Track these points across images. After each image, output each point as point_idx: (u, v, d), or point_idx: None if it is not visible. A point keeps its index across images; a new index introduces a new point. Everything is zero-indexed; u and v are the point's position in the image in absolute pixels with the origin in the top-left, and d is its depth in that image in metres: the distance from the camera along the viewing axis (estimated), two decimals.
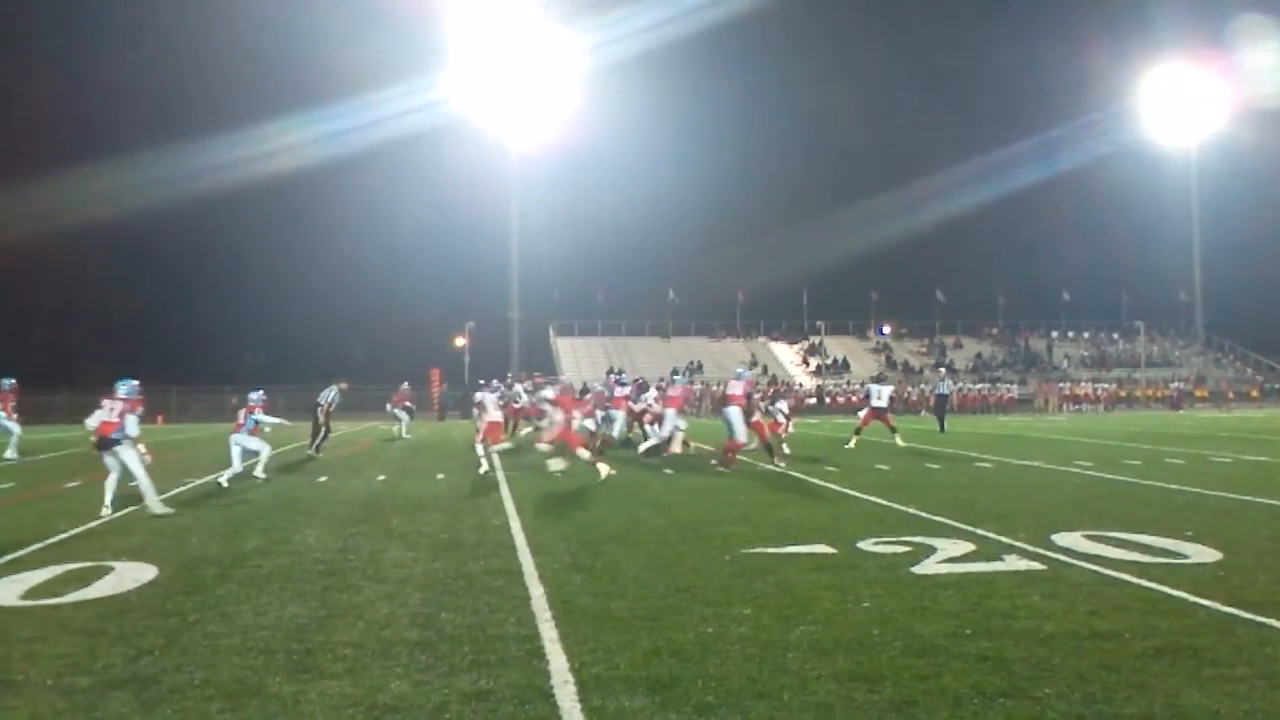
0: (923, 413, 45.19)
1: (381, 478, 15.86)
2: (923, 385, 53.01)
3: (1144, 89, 67.49)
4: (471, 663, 5.35)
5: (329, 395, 21.85)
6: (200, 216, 66.57)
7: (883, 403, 22.00)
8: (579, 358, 61.90)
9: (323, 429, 21.56)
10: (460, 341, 60.14)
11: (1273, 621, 5.94)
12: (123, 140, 61.60)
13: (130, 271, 68.77)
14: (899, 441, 21.56)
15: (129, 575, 7.89)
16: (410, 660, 5.43)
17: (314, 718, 4.60)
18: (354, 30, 58.41)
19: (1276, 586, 6.89)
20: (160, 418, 46.70)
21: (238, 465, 15.31)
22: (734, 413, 16.35)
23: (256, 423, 15.67)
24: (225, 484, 14.53)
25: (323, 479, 15.75)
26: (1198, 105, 66.31)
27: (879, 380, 24.16)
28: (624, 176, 72.08)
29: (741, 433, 16.17)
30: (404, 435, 29.07)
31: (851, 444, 21.41)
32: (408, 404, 30.58)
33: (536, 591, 7.06)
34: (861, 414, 23.17)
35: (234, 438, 15.46)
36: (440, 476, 16.05)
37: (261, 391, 16.13)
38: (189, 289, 73.05)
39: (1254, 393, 61.84)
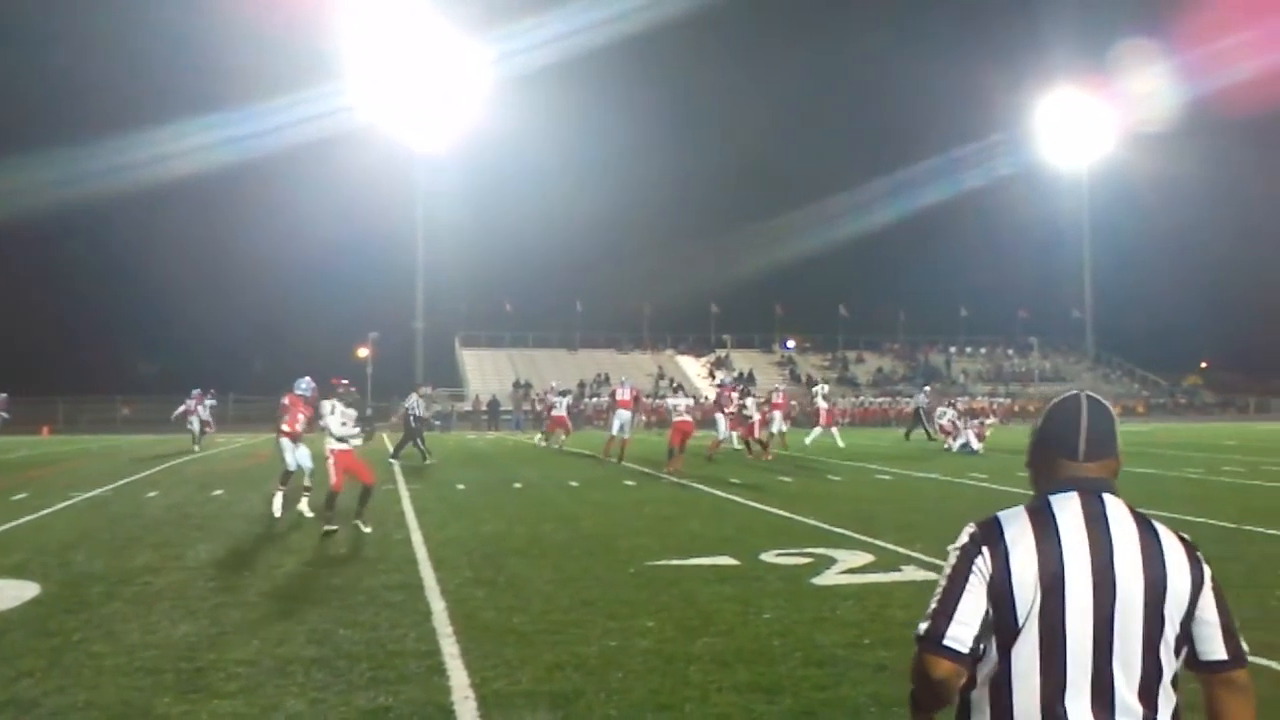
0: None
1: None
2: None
3: (1040, 113, 69.84)
4: (370, 680, 5.25)
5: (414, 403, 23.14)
6: (92, 221, 64.24)
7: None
8: (485, 369, 61.33)
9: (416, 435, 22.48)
10: (363, 352, 59.01)
11: None
12: (13, 142, 59.21)
13: (19, 276, 66.09)
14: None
15: (9, 593, 7.56)
16: (306, 678, 5.30)
17: None
18: (255, 35, 56.78)
19: None
20: (45, 429, 44.78)
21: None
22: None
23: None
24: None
25: (218, 492, 15.31)
26: (1090, 129, 68.86)
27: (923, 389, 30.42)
28: (532, 188, 71.83)
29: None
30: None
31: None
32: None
33: (438, 606, 6.97)
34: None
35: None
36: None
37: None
38: (80, 295, 70.44)
39: (1140, 408, 64.32)
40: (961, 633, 1.94)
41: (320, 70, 54.25)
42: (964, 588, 1.98)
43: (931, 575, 7.90)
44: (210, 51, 59.84)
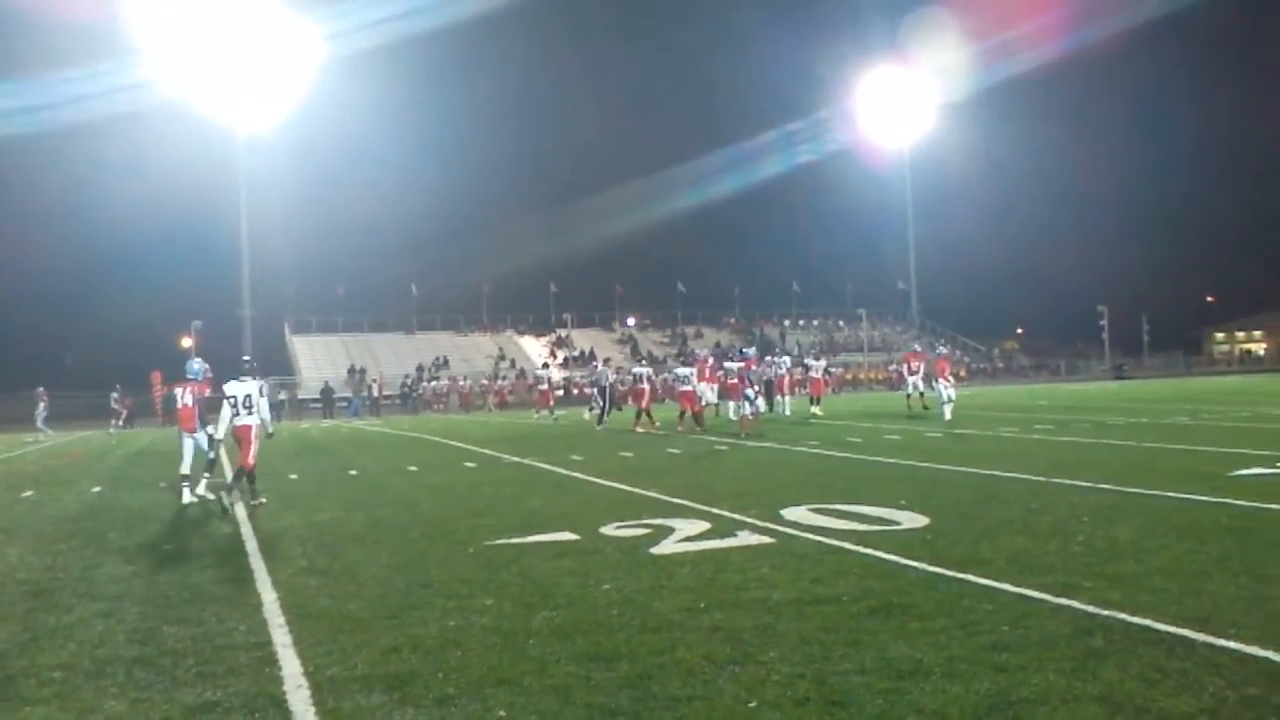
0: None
1: (96, 489, 14.70)
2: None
3: (864, 91, 72.29)
4: (196, 675, 5.07)
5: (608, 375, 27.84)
6: None
7: (816, 374, 28.66)
8: (318, 356, 59.59)
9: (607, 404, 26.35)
10: (186, 342, 56.37)
11: (970, 577, 6.52)
12: None
13: None
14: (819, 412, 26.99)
15: None
16: (127, 678, 5.07)
17: None
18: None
19: (975, 546, 7.57)
20: None
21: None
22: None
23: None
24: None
25: (28, 493, 14.43)
26: (910, 107, 71.67)
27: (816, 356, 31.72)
28: (363, 169, 70.29)
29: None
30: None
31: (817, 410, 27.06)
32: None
33: (269, 598, 6.77)
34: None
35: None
36: (163, 485, 15.04)
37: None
38: None
39: (962, 373, 67.76)
40: None
41: (127, 42, 50.97)
42: None
43: (765, 539, 8.15)
44: None
